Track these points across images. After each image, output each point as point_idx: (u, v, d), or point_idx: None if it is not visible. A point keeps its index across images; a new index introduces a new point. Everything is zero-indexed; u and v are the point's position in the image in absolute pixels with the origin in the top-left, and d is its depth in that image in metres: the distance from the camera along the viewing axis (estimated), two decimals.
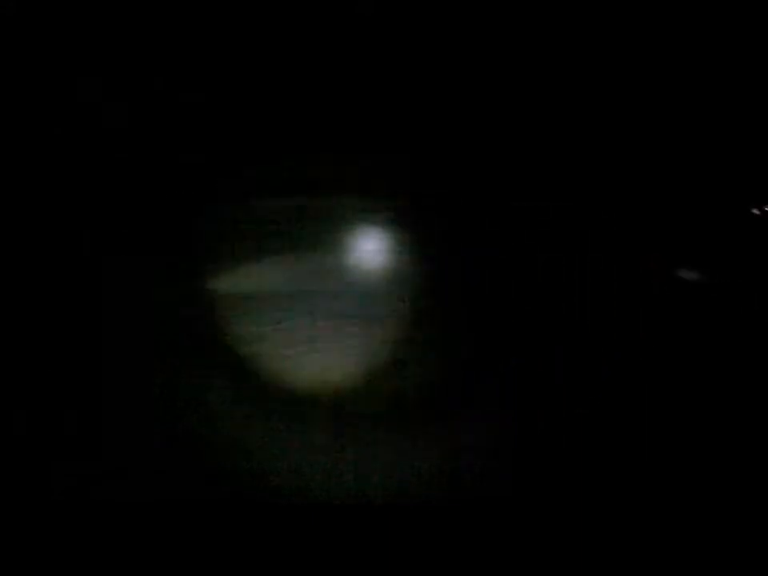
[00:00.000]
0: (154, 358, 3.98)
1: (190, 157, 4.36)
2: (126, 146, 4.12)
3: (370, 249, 5.25)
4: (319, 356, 4.13)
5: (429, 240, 5.44)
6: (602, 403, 3.58)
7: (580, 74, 4.55)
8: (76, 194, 4.32)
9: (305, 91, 4.35)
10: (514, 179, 5.19)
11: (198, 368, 3.90)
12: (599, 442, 3.28)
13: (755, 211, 4.02)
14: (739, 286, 4.41)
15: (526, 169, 5.00)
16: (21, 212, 4.28)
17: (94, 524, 2.73)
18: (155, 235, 4.53)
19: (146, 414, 3.51)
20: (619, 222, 5.00)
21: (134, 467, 3.07)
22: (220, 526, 2.73)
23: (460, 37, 4.23)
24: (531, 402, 3.62)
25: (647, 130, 4.57)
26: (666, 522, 2.74)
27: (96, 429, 3.38)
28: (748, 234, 4.51)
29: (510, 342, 4.27)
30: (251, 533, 2.71)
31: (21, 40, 3.93)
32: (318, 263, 4.79)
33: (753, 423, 3.41)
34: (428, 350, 4.19)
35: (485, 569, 2.58)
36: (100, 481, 2.98)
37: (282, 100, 4.38)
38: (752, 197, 4.42)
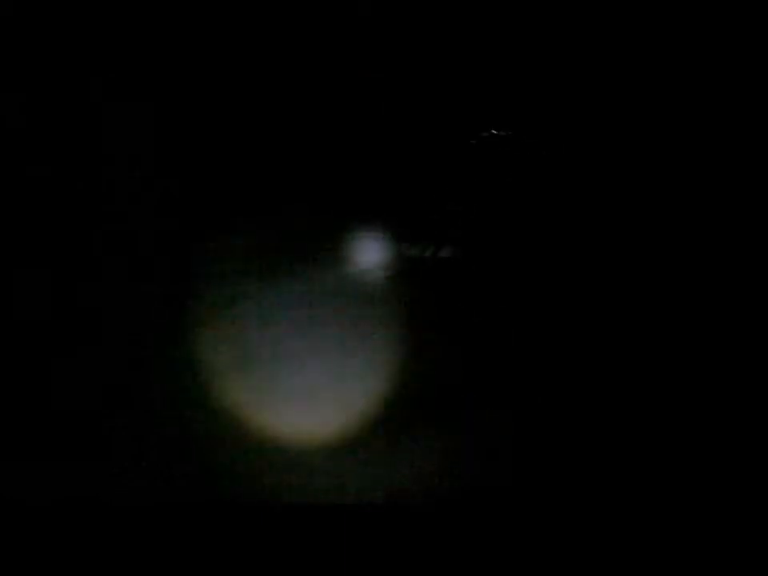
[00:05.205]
0: (154, 359, 3.98)
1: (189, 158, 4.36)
2: (126, 145, 4.12)
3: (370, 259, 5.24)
4: (320, 358, 4.14)
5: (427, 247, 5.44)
6: (602, 403, 3.59)
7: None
8: (76, 194, 4.32)
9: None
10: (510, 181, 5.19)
11: (197, 368, 3.90)
12: (599, 441, 3.29)
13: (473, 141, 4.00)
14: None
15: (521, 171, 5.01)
16: (20, 211, 4.28)
17: (94, 524, 2.73)
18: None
19: (146, 414, 3.51)
20: (617, 223, 5.01)
21: (134, 468, 3.08)
22: (220, 526, 2.73)
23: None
24: (531, 402, 3.63)
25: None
26: (665, 521, 2.76)
27: (97, 429, 3.38)
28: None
29: (509, 343, 4.28)
30: (251, 533, 2.72)
31: (21, 40, 3.93)
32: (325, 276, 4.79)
33: (752, 423, 3.42)
34: (427, 351, 4.19)
35: (484, 567, 2.59)
36: (100, 481, 2.99)
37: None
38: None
